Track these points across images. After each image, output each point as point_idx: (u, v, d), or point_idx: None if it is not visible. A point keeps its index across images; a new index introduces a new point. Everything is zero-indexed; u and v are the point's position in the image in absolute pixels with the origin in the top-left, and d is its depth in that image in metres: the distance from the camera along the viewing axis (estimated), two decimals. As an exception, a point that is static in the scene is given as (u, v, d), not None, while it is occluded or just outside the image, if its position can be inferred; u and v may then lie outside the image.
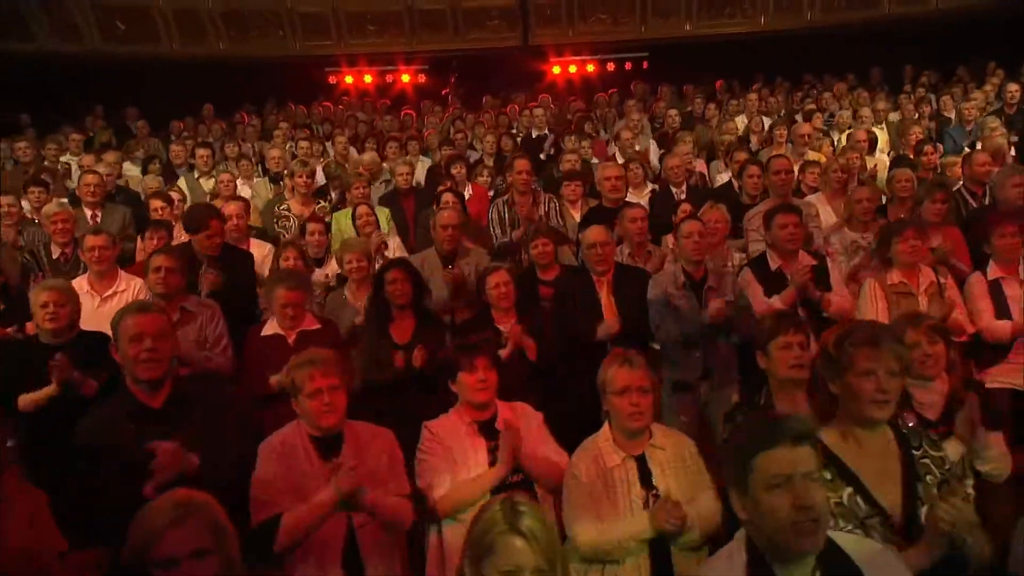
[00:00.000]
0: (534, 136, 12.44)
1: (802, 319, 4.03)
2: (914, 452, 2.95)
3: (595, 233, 5.93)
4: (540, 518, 2.54)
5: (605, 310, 5.80)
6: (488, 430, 4.11)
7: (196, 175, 10.23)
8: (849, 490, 2.82)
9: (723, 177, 9.24)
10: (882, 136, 10.91)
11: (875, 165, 9.22)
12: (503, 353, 5.21)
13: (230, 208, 7.16)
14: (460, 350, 4.35)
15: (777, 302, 5.45)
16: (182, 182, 10.00)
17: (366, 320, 5.72)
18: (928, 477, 2.91)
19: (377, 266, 6.35)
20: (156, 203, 7.86)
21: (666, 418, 5.04)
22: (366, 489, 3.64)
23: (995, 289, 5.55)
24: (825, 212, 7.12)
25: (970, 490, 2.93)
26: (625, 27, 17.38)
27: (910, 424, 3.61)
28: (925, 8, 15.88)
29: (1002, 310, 5.47)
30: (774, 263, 5.71)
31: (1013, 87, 11.19)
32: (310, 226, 7.28)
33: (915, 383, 3.74)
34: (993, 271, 5.59)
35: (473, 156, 11.07)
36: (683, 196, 8.13)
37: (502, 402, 4.28)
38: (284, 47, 16.84)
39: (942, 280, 5.56)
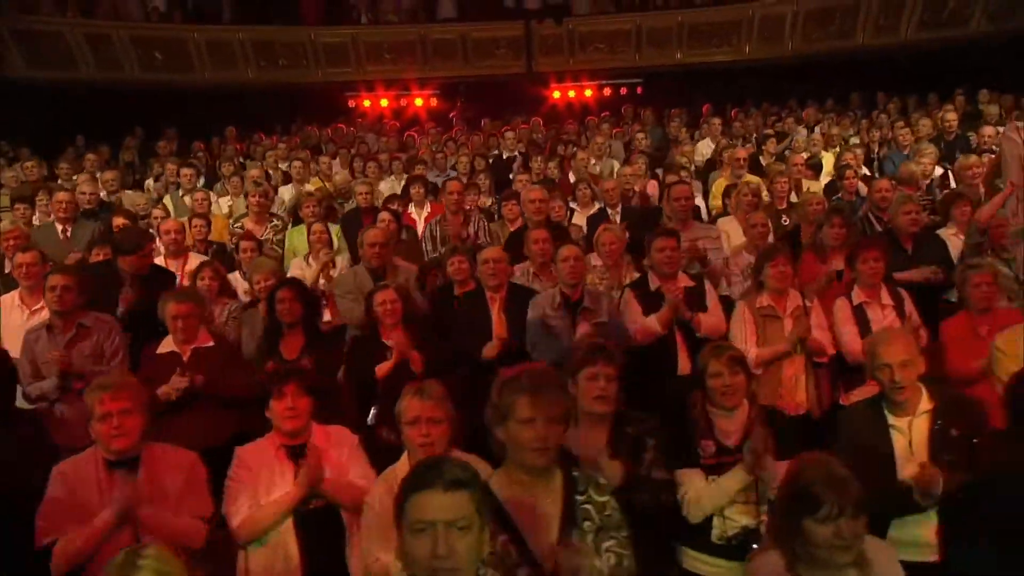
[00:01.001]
0: (504, 157, 12.45)
1: (613, 352, 3.81)
2: (577, 498, 2.77)
3: (488, 251, 5.90)
4: (161, 569, 2.50)
5: (496, 327, 5.66)
6: (298, 454, 3.89)
7: (180, 193, 10.15)
8: (504, 538, 2.64)
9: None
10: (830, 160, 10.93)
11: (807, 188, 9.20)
12: (386, 366, 5.26)
13: (167, 225, 7.25)
14: (271, 377, 4.24)
15: (653, 322, 5.39)
16: (168, 199, 10.00)
17: (262, 337, 5.68)
18: (586, 524, 2.73)
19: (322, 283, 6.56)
20: (118, 220, 7.83)
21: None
22: (148, 507, 3.57)
23: (859, 313, 5.42)
24: (737, 234, 7.08)
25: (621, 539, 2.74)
26: (621, 56, 17.82)
27: (709, 451, 3.63)
28: (896, 39, 15.96)
29: (865, 333, 5.17)
30: (653, 284, 5.60)
31: (950, 116, 11.20)
32: (243, 244, 7.25)
33: (717, 412, 3.69)
34: (857, 296, 5.47)
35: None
36: (618, 217, 8.14)
37: (320, 426, 4.08)
38: (308, 74, 17.28)
39: (807, 304, 5.46)
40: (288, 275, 6.82)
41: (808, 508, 2.64)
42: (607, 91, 18.09)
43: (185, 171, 10.17)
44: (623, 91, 18.22)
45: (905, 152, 10.45)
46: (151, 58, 16.10)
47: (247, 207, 8.60)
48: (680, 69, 17.66)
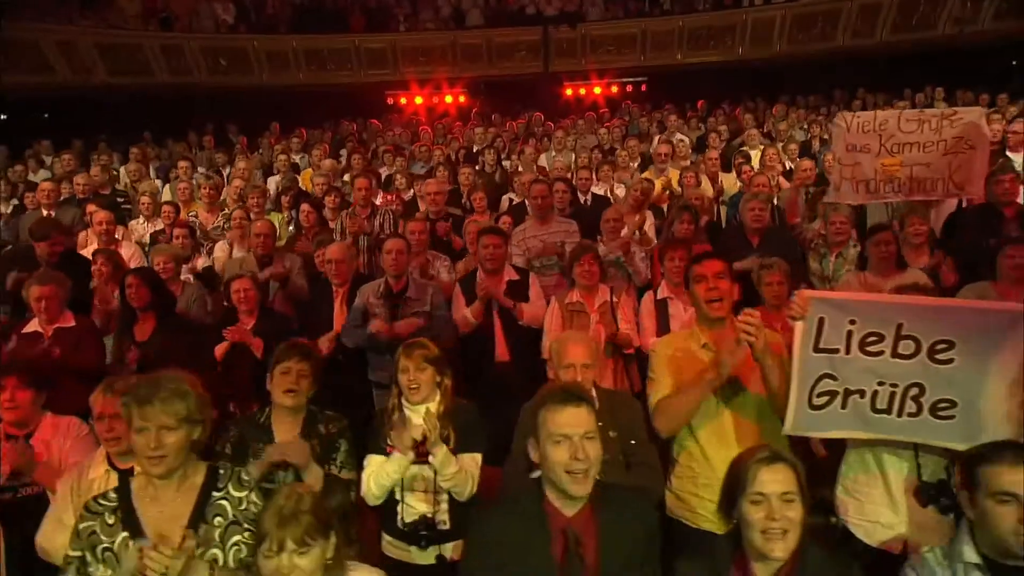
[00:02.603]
0: (475, 150, 12.13)
1: (310, 349, 3.68)
2: (214, 494, 2.66)
3: (331, 251, 5.74)
4: None
5: (336, 320, 5.54)
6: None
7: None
8: (124, 535, 2.55)
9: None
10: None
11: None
12: (221, 348, 5.22)
13: (98, 216, 7.15)
14: None
15: (469, 312, 5.40)
16: (167, 189, 10.03)
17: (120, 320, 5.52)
18: (217, 519, 2.62)
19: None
20: (90, 207, 7.75)
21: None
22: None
23: (661, 307, 5.33)
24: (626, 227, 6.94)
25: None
26: (628, 57, 18.29)
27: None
28: (872, 41, 16.02)
29: (663, 327, 5.19)
30: (480, 279, 5.55)
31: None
32: (176, 231, 7.21)
33: (407, 405, 3.51)
34: (662, 291, 5.43)
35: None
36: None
37: (52, 417, 4.02)
38: (352, 76, 18.07)
39: (615, 299, 5.38)
40: (215, 256, 7.04)
41: None
42: (615, 88, 18.33)
43: (181, 163, 10.25)
44: (629, 88, 18.50)
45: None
46: (216, 64, 17.06)
47: (199, 198, 8.69)
48: (680, 68, 17.99)
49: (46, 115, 16.78)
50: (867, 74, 16.23)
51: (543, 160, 10.83)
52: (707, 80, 17.53)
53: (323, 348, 5.20)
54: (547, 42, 18.16)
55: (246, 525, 2.62)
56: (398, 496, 3.46)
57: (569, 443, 2.42)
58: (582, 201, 8.07)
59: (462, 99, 18.55)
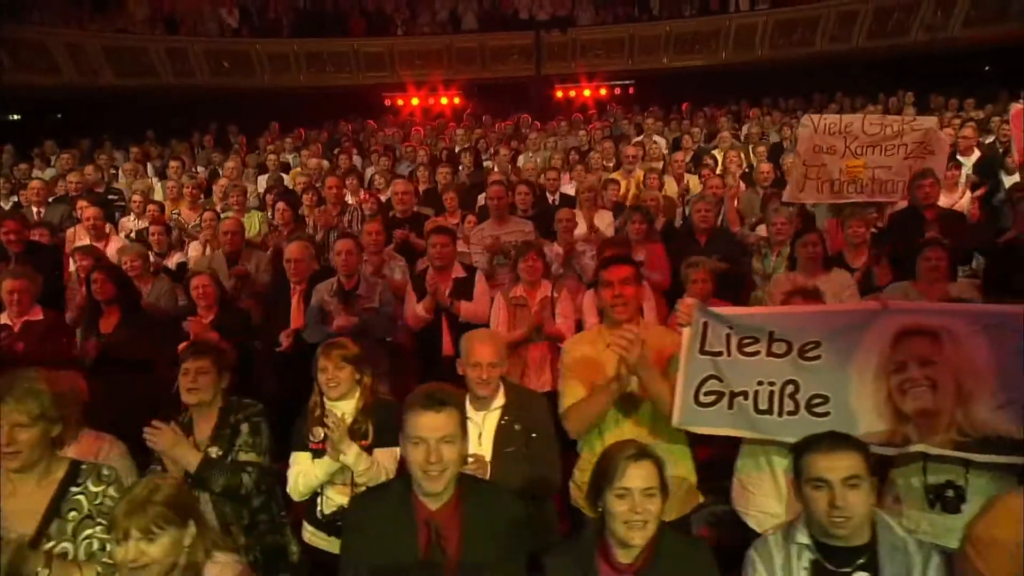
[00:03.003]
0: (456, 151, 12.13)
1: (205, 347, 3.71)
2: (72, 489, 2.67)
3: (289, 250, 5.74)
4: None
5: (293, 316, 5.57)
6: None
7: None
8: None
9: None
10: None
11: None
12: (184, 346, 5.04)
13: (87, 212, 7.28)
14: None
15: (419, 309, 5.47)
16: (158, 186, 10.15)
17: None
18: (72, 513, 2.64)
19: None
20: (81, 203, 7.80)
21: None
22: None
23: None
24: (580, 226, 7.01)
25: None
26: (616, 61, 18.65)
27: (318, 437, 3.46)
28: (849, 46, 16.23)
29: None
30: (430, 276, 5.58)
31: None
32: (152, 228, 7.30)
33: (328, 401, 3.56)
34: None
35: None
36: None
37: None
38: (351, 78, 18.42)
39: (555, 295, 5.43)
40: (189, 254, 7.18)
41: None
42: (603, 91, 18.63)
43: (173, 163, 10.33)
44: (617, 91, 18.77)
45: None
46: (220, 66, 17.43)
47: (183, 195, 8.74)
48: (666, 72, 18.30)
49: (59, 115, 17.19)
50: (845, 78, 16.51)
51: (521, 161, 11.05)
52: (692, 83, 17.78)
53: (283, 343, 5.36)
54: (539, 46, 18.46)
55: (99, 519, 2.63)
56: (318, 488, 3.55)
57: (425, 445, 2.48)
58: (550, 200, 8.33)
59: (457, 101, 18.79)
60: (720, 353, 3.20)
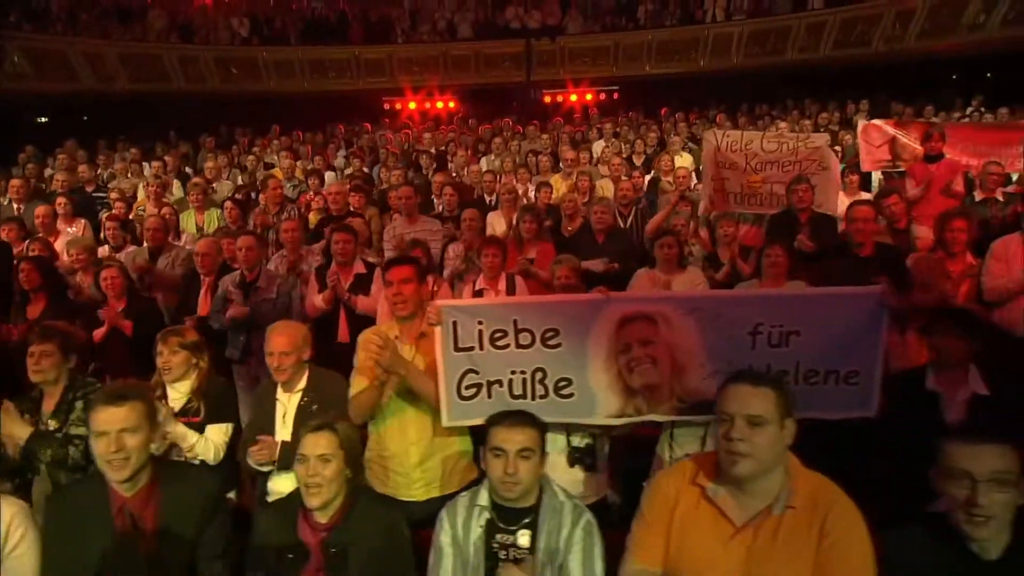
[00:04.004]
0: (423, 152, 12.29)
1: (49, 332, 3.83)
2: None
3: (198, 245, 6.18)
4: None
5: (200, 305, 5.89)
6: None
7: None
8: None
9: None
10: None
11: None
12: (99, 332, 5.47)
13: (39, 210, 7.60)
14: None
15: (319, 300, 5.68)
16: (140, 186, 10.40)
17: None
18: None
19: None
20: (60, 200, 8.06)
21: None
22: None
23: (478, 296, 5.50)
24: (500, 226, 7.40)
25: None
26: (602, 68, 19.05)
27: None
28: (817, 56, 16.34)
29: None
30: (332, 270, 5.77)
31: (783, 124, 11.87)
32: (107, 223, 7.42)
33: (169, 384, 3.82)
34: (480, 283, 5.73)
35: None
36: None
37: None
38: (352, 83, 18.97)
39: (435, 288, 5.58)
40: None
41: None
42: (589, 96, 18.91)
43: (155, 163, 11.04)
44: (603, 97, 19.01)
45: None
46: (228, 73, 17.98)
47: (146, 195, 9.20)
48: (648, 79, 18.64)
49: (84, 118, 17.77)
50: (813, 85, 16.59)
51: (483, 164, 11.36)
52: (673, 89, 18.04)
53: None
54: (529, 54, 18.82)
55: None
56: None
57: (106, 437, 2.60)
58: (487, 202, 8.66)
59: (452, 105, 19.30)
60: (472, 348, 3.38)
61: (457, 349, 3.39)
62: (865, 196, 8.14)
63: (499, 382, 3.39)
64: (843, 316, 3.22)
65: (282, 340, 3.69)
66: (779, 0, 17.37)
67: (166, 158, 11.97)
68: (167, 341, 3.82)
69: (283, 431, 3.68)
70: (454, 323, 3.39)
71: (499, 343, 3.38)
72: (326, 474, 2.70)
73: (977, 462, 2.17)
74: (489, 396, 3.40)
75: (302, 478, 2.72)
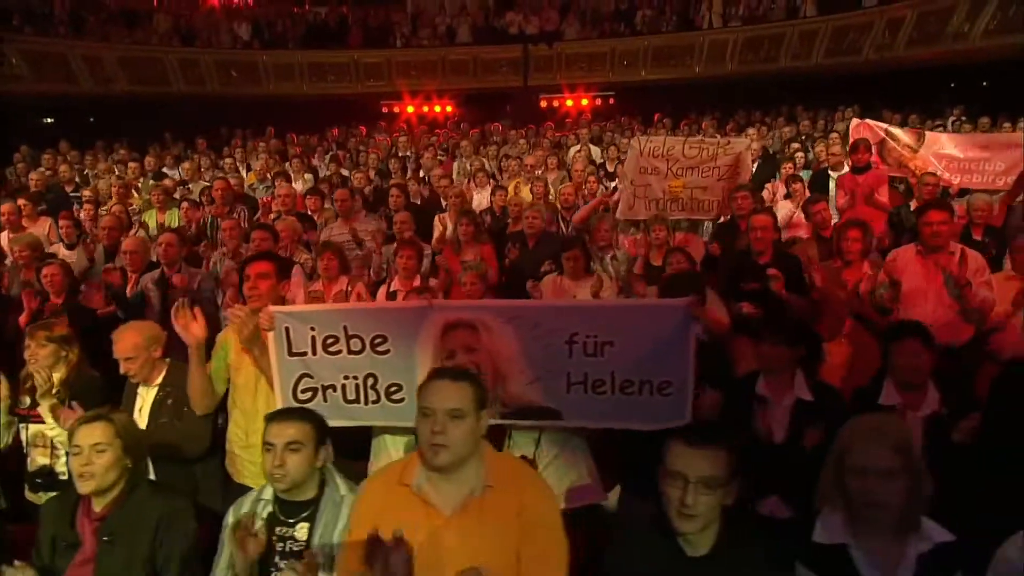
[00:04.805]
0: (399, 155, 12.78)
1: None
2: None
3: (125, 243, 6.35)
4: None
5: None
6: None
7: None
8: None
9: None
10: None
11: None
12: (23, 318, 5.46)
13: (4, 208, 7.77)
14: None
15: (230, 294, 5.58)
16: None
17: None
18: None
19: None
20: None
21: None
22: None
23: (391, 298, 5.59)
24: (448, 228, 7.46)
25: None
26: (598, 73, 19.08)
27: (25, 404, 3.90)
28: (809, 64, 16.29)
29: None
30: (228, 266, 6.02)
31: (751, 131, 11.80)
32: (61, 222, 7.63)
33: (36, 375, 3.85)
34: (394, 284, 5.80)
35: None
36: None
37: None
38: (351, 87, 19.18)
39: (349, 288, 5.69)
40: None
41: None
42: (585, 102, 18.92)
43: (132, 164, 11.21)
44: (599, 102, 19.01)
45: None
46: (228, 76, 18.19)
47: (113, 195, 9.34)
48: (644, 84, 18.63)
49: (91, 119, 18.12)
50: (805, 92, 16.48)
51: (455, 167, 11.51)
52: (668, 95, 18.02)
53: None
54: (526, 59, 18.87)
55: None
56: (26, 451, 3.94)
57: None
58: (442, 205, 8.76)
59: (449, 109, 19.37)
60: (306, 353, 3.41)
61: (291, 354, 3.42)
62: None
63: (332, 387, 3.42)
64: (653, 327, 3.24)
65: (123, 345, 3.78)
66: (774, 7, 17.36)
67: (148, 158, 12.17)
68: (34, 335, 3.91)
69: (140, 423, 3.74)
70: (287, 328, 3.40)
71: (331, 349, 3.40)
72: (99, 463, 2.75)
73: (691, 466, 2.23)
74: (325, 400, 3.41)
75: (75, 468, 2.76)
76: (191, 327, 3.57)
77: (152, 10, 19.33)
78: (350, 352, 3.39)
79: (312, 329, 3.40)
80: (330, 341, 3.40)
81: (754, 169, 10.44)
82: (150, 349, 3.86)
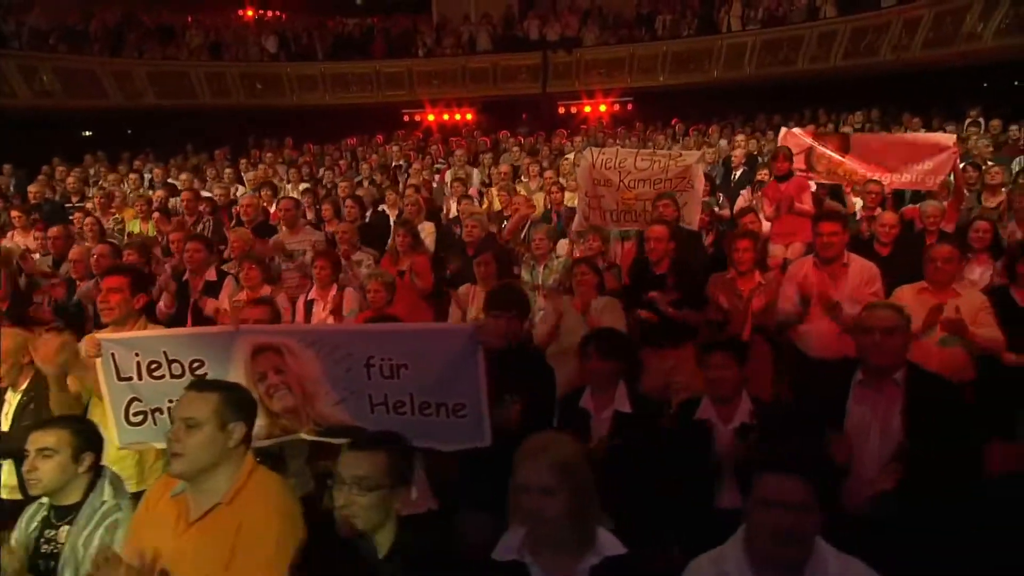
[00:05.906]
0: (393, 164, 13.03)
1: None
2: None
3: (71, 253, 6.61)
4: None
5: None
6: None
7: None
8: None
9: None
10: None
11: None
12: None
13: None
14: None
15: (162, 304, 5.81)
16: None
17: None
18: None
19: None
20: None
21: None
22: None
23: (308, 307, 5.78)
24: (427, 234, 7.61)
25: None
26: (617, 79, 18.98)
27: None
28: (827, 66, 15.91)
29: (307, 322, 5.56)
30: (164, 276, 6.06)
31: (739, 138, 11.85)
32: (49, 232, 7.73)
33: None
34: (312, 293, 5.87)
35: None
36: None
37: None
38: (373, 96, 19.50)
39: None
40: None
41: None
42: (603, 108, 18.83)
43: (131, 176, 11.75)
44: (616, 108, 18.89)
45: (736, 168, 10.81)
46: (253, 88, 18.61)
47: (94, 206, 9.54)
48: (662, 89, 18.44)
49: (128, 131, 18.82)
50: (824, 95, 16.12)
51: (448, 176, 11.64)
52: (687, 100, 17.81)
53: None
54: (545, 66, 18.90)
55: None
56: None
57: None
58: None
59: (469, 117, 19.48)
60: (132, 378, 3.47)
61: (120, 379, 3.49)
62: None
63: (159, 410, 3.48)
64: (441, 351, 3.25)
65: (40, 355, 3.72)
66: (793, 9, 17.02)
67: (156, 170, 12.62)
68: None
69: (5, 424, 3.91)
70: (113, 354, 3.47)
71: (155, 373, 3.47)
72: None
73: (344, 466, 2.36)
74: (155, 423, 3.49)
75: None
76: (38, 353, 3.65)
77: (186, 25, 20.02)
78: (172, 376, 3.45)
79: (136, 355, 3.47)
80: (154, 366, 3.47)
81: (737, 176, 10.38)
82: (18, 355, 3.94)
